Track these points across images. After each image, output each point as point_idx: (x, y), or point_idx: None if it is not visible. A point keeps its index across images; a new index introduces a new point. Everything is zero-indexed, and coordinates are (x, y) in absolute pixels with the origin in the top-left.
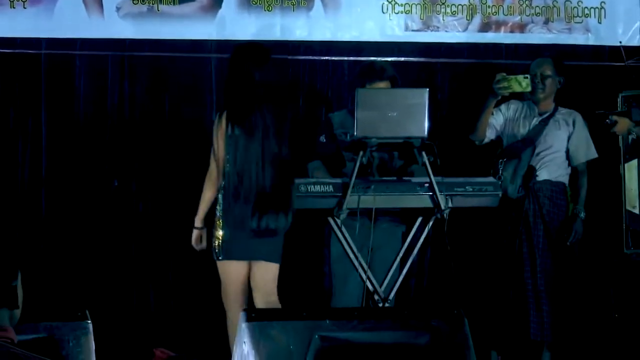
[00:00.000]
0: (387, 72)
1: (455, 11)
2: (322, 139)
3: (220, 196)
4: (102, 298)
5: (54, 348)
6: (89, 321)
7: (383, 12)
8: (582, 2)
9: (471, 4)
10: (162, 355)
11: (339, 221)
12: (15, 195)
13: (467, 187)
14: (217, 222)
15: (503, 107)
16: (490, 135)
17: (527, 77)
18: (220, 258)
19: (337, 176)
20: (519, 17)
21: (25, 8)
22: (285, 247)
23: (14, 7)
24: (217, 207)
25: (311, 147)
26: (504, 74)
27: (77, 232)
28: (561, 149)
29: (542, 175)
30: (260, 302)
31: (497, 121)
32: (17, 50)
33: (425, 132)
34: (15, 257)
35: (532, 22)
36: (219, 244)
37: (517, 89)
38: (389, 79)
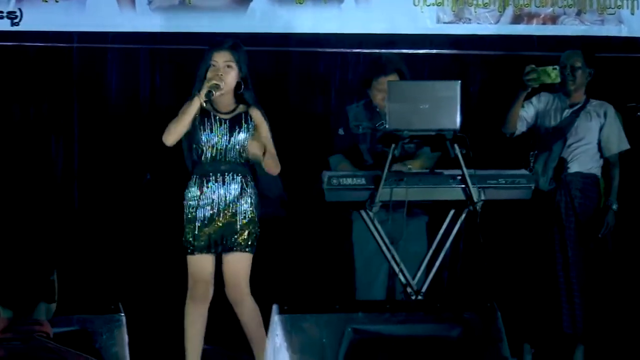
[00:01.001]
0: (392, 65)
1: (487, 3)
2: (341, 131)
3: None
4: (135, 290)
5: (87, 341)
6: (122, 314)
7: (415, 5)
8: None
9: None
10: None
11: (371, 214)
12: (48, 188)
13: (499, 180)
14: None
15: (534, 99)
16: (521, 127)
17: (555, 69)
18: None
19: (359, 169)
20: (551, 8)
21: (57, 2)
22: (318, 239)
23: (46, 1)
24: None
25: (331, 140)
26: (533, 66)
27: (110, 225)
28: (592, 140)
29: (574, 167)
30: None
31: (527, 114)
32: (49, 44)
33: (458, 125)
34: (52, 251)
35: (565, 13)
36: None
37: (546, 80)
38: (395, 71)
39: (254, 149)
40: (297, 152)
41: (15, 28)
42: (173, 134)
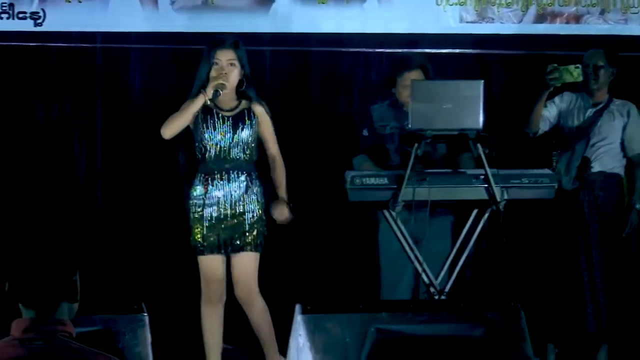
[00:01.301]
0: (416, 61)
1: (510, 2)
2: (365, 132)
3: None
4: (158, 290)
5: (111, 340)
6: (145, 314)
7: (437, 4)
8: None
9: None
10: None
11: (394, 213)
12: (71, 188)
13: (522, 179)
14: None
15: (557, 98)
16: (543, 127)
17: (578, 67)
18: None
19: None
20: (575, 8)
21: (80, 2)
22: (341, 239)
23: (69, 2)
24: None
25: (355, 141)
26: (555, 65)
27: (133, 225)
28: (616, 140)
29: (597, 166)
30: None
31: (550, 113)
32: (72, 44)
33: (481, 124)
34: (74, 250)
35: (588, 12)
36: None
37: (568, 79)
38: (419, 67)
39: (280, 214)
40: (319, 152)
41: (38, 29)
42: (172, 128)
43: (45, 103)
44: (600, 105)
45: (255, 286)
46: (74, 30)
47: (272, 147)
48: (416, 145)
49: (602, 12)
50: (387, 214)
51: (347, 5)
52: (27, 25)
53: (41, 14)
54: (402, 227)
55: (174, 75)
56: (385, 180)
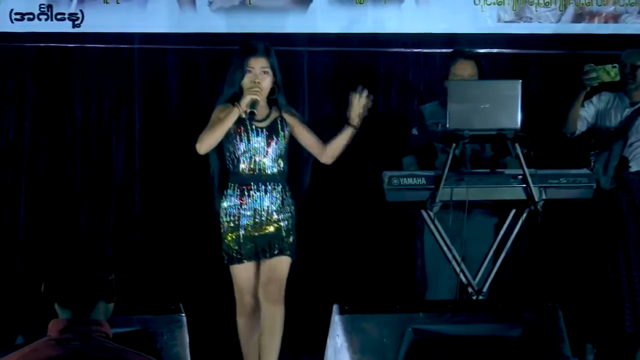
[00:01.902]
0: (470, 52)
1: (548, 2)
2: (414, 131)
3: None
4: (196, 291)
5: (148, 341)
6: (183, 314)
7: (475, 4)
8: None
9: None
10: None
11: (431, 214)
12: (110, 188)
13: (560, 179)
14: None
15: (594, 98)
16: (581, 127)
17: (615, 67)
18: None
19: (429, 168)
20: (613, 7)
21: (118, 3)
22: (378, 240)
23: (107, 3)
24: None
25: (404, 141)
26: (592, 65)
27: (171, 226)
28: None
29: (635, 166)
30: None
31: (588, 113)
32: (110, 45)
33: (518, 124)
34: (109, 250)
35: (627, 12)
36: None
37: (605, 79)
38: (472, 58)
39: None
40: (357, 152)
41: (76, 30)
42: (206, 143)
43: (83, 104)
44: (638, 105)
45: (283, 291)
46: (112, 31)
47: (319, 146)
48: (454, 145)
49: None
50: (424, 214)
51: (385, 5)
52: (66, 27)
53: (79, 15)
54: (440, 227)
55: (211, 76)
56: (422, 181)
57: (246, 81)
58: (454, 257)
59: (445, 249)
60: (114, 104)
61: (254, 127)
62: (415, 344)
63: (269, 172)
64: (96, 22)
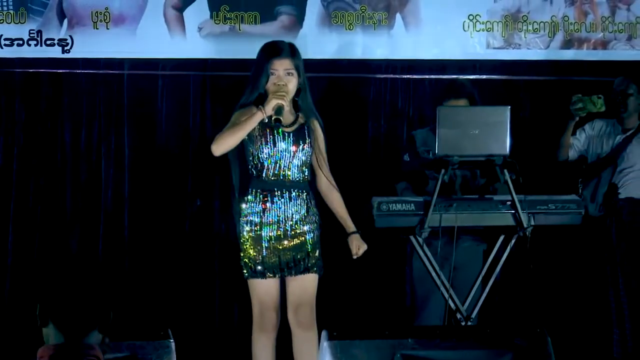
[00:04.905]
0: (465, 89)
1: (537, 28)
2: (406, 157)
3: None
4: (184, 316)
5: None
6: (172, 340)
7: (464, 30)
8: None
9: (553, 21)
10: None
11: (420, 240)
12: (99, 214)
13: (549, 205)
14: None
15: (587, 126)
16: (573, 155)
17: (600, 98)
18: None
19: (421, 195)
20: (602, 34)
21: (108, 29)
22: (367, 265)
23: (97, 29)
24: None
25: (394, 166)
26: (580, 95)
27: (160, 252)
28: None
29: (624, 193)
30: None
31: (579, 141)
32: (100, 71)
33: (507, 150)
34: (110, 281)
35: (615, 38)
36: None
37: (592, 109)
38: (466, 96)
39: (358, 248)
40: (347, 178)
41: (66, 55)
42: (224, 145)
43: (72, 130)
44: (630, 132)
45: (314, 313)
46: (102, 57)
47: (325, 168)
48: (443, 170)
49: (629, 38)
50: (413, 240)
51: (375, 31)
52: (55, 52)
53: (69, 40)
54: (428, 253)
55: (201, 102)
56: (411, 206)
57: (270, 86)
58: (442, 282)
59: (434, 274)
60: (103, 130)
61: (280, 130)
62: None
63: (293, 178)
64: (86, 47)
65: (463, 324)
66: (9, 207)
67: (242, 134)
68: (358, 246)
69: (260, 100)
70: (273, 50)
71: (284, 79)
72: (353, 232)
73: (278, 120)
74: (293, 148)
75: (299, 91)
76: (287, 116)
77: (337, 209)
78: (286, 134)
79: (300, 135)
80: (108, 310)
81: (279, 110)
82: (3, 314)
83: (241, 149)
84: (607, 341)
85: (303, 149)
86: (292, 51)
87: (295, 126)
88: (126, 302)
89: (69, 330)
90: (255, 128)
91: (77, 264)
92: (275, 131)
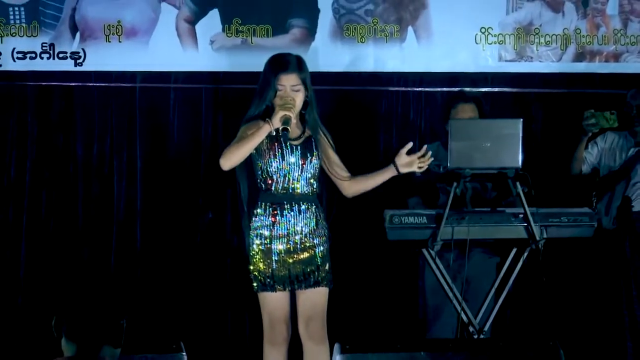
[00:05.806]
0: (471, 94)
1: (549, 41)
2: (418, 172)
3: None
4: (196, 328)
5: None
6: (184, 353)
7: (476, 43)
8: None
9: (565, 34)
10: None
11: (433, 252)
12: (111, 226)
13: (562, 218)
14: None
15: (599, 139)
16: (585, 169)
17: (613, 113)
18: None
19: (432, 208)
20: (614, 46)
21: (120, 42)
22: (380, 278)
23: (109, 42)
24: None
25: (406, 180)
26: (592, 111)
27: (172, 264)
28: None
29: (638, 206)
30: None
31: (591, 155)
32: (112, 84)
33: (520, 163)
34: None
35: (627, 51)
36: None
37: (604, 125)
38: (473, 101)
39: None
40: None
41: (78, 68)
42: (232, 159)
43: (85, 142)
44: None
45: (325, 326)
46: (114, 70)
47: (345, 172)
48: (455, 184)
49: None
50: (425, 253)
51: (387, 44)
52: (68, 65)
53: (82, 54)
54: (441, 266)
55: (213, 115)
56: (424, 219)
57: (277, 100)
58: (455, 295)
59: (446, 287)
60: (115, 143)
61: (288, 144)
62: None
63: (302, 191)
64: (98, 60)
65: (475, 337)
66: (21, 220)
67: (250, 147)
68: (408, 161)
69: (267, 114)
70: (280, 64)
71: (291, 94)
72: (390, 166)
73: (285, 129)
74: (301, 161)
75: (305, 104)
76: (294, 129)
77: (368, 178)
78: (294, 147)
79: (307, 148)
80: (121, 322)
81: (286, 121)
82: (16, 326)
83: (249, 162)
84: (620, 354)
85: (311, 161)
86: (299, 65)
87: (302, 139)
88: (138, 314)
89: (82, 343)
90: (263, 142)
91: (89, 277)
92: (283, 144)
